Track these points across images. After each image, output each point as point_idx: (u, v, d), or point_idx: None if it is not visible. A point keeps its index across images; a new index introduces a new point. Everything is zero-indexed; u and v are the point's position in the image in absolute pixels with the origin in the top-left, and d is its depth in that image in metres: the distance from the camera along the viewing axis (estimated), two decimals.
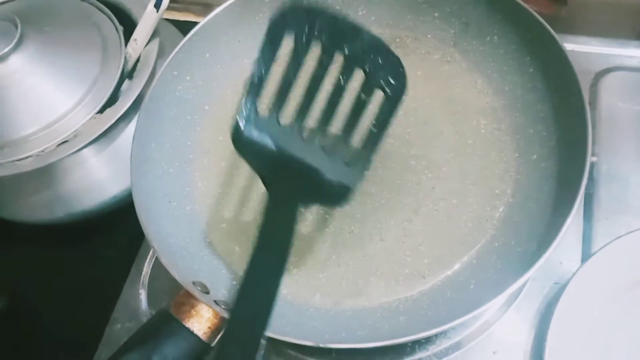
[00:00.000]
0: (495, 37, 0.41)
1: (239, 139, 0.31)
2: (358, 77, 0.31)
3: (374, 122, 0.31)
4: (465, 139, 0.39)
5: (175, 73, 0.41)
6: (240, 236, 0.38)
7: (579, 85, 0.34)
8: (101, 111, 0.43)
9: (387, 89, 0.30)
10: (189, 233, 0.37)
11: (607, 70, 0.45)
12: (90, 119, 0.43)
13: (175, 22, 0.53)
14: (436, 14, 0.43)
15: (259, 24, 0.44)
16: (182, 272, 0.32)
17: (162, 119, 0.40)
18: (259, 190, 0.39)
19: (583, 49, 0.47)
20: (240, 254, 0.37)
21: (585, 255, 0.38)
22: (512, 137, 0.38)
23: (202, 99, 0.43)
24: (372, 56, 0.30)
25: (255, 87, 0.31)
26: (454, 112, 0.40)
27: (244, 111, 0.31)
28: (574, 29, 0.50)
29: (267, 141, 0.31)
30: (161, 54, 0.46)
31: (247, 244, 0.37)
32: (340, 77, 0.30)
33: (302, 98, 0.32)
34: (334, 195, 0.32)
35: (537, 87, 0.38)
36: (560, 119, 0.36)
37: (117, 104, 0.44)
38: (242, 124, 0.31)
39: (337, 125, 0.32)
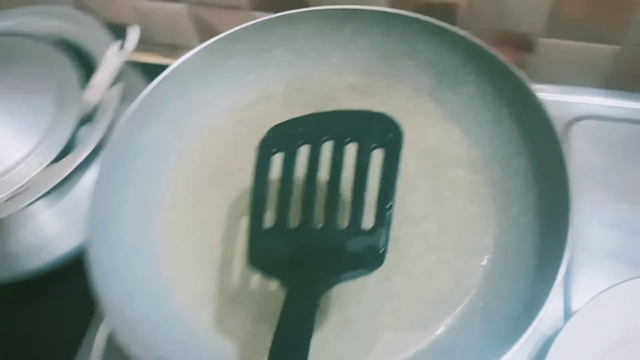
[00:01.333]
0: (471, 87, 0.40)
1: (256, 260, 0.30)
2: (353, 150, 0.31)
3: (382, 179, 0.30)
4: (442, 192, 0.38)
5: (140, 121, 0.39)
6: (210, 300, 0.35)
7: (557, 138, 0.34)
8: (55, 161, 0.40)
9: (383, 144, 0.30)
10: (152, 299, 0.34)
11: (577, 119, 0.45)
12: (42, 169, 0.40)
13: (138, 64, 0.51)
14: (410, 63, 0.42)
15: (230, 70, 0.43)
16: (145, 349, 0.29)
17: (124, 170, 0.38)
18: (232, 247, 0.37)
19: (552, 98, 0.47)
20: (210, 321, 0.34)
21: (567, 310, 0.37)
22: (490, 190, 0.38)
23: (167, 148, 0.41)
24: (357, 127, 0.31)
25: (258, 207, 0.31)
26: (431, 163, 0.39)
27: (251, 233, 0.31)
28: (541, 77, 0.50)
29: (282, 249, 0.31)
30: (123, 98, 0.44)
31: (218, 309, 0.34)
32: (336, 159, 0.31)
33: (305, 197, 0.31)
34: (364, 262, 0.30)
35: (514, 139, 0.38)
36: (539, 172, 0.36)
37: (73, 153, 0.41)
38: (253, 246, 0.31)
39: (346, 201, 0.31)
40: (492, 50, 0.38)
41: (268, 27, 0.42)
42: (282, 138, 0.31)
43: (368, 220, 0.30)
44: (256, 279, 0.36)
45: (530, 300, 0.30)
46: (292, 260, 0.30)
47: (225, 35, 0.41)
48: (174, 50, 0.57)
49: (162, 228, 0.38)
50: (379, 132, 0.30)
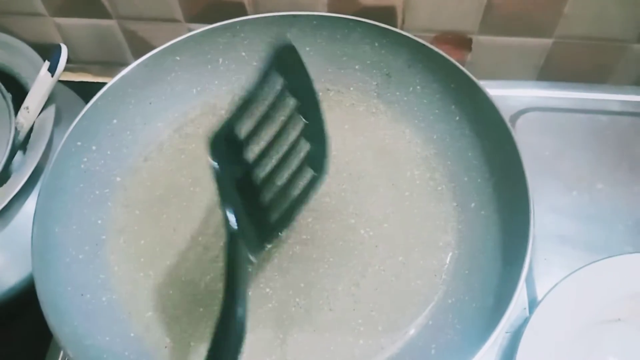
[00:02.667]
0: (418, 87, 0.40)
1: (213, 142, 0.29)
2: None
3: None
4: (402, 192, 0.38)
5: (79, 143, 0.37)
6: (171, 325, 0.33)
7: (509, 129, 0.35)
8: None
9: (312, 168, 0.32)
10: (109, 329, 0.32)
11: (521, 112, 0.46)
12: None
13: (70, 84, 0.48)
14: (357, 67, 0.42)
15: (171, 83, 0.41)
16: None
17: (66, 197, 0.35)
18: (188, 269, 0.35)
19: (494, 93, 0.48)
20: (173, 347, 0.32)
21: (531, 300, 0.38)
22: (447, 186, 0.38)
23: (112, 170, 0.38)
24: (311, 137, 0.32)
25: (242, 107, 0.30)
26: (387, 164, 0.39)
27: (226, 120, 0.30)
28: (479, 73, 0.52)
29: (231, 158, 0.30)
30: (58, 121, 0.41)
31: (180, 335, 0.33)
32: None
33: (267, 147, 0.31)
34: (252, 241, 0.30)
35: (465, 134, 0.38)
36: (493, 164, 0.36)
37: (8, 182, 0.38)
38: (220, 131, 0.29)
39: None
40: (437, 49, 0.38)
41: (208, 37, 0.41)
42: (291, 68, 0.31)
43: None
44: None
45: (500, 292, 0.30)
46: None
47: (163, 49, 0.40)
48: (107, 67, 0.55)
49: (114, 254, 0.36)
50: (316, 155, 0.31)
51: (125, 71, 0.38)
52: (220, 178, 0.29)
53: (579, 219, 0.41)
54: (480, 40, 0.48)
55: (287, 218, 0.32)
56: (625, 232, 0.40)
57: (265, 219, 0.31)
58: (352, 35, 0.41)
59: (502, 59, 0.50)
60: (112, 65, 0.54)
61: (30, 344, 0.38)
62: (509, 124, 0.34)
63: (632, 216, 0.40)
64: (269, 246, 0.32)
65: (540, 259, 0.39)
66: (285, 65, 0.30)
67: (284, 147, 0.31)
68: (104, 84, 0.39)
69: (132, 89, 0.39)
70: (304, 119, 0.32)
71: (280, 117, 0.31)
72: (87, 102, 0.39)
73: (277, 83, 0.30)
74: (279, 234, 0.32)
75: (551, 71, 0.50)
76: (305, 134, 0.32)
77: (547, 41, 0.48)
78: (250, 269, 0.30)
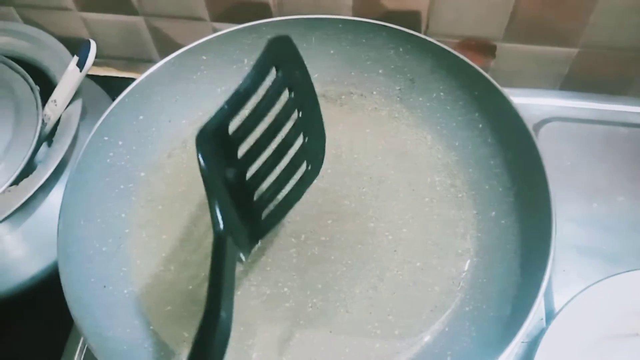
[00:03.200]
0: (442, 94, 0.40)
1: (202, 136, 0.28)
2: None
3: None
4: (422, 197, 0.38)
5: (106, 138, 0.37)
6: (189, 320, 0.34)
7: (533, 139, 0.35)
8: (16, 182, 0.38)
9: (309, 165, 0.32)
10: (129, 321, 0.33)
11: (544, 121, 0.46)
12: (3, 192, 0.37)
13: (95, 78, 0.49)
14: (380, 71, 0.42)
15: (196, 83, 0.42)
16: None
17: (91, 190, 0.36)
18: (207, 265, 0.35)
19: (518, 101, 0.48)
20: (190, 341, 0.33)
21: (549, 310, 0.37)
22: (468, 194, 0.38)
23: (136, 165, 0.39)
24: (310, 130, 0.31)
25: (235, 102, 0.28)
26: (408, 169, 0.39)
27: (216, 115, 0.28)
28: (501, 80, 0.52)
29: (220, 154, 0.29)
30: (83, 115, 0.42)
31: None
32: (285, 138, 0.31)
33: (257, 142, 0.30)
34: (241, 240, 0.30)
35: (488, 142, 0.38)
36: (515, 173, 0.36)
37: (34, 173, 0.39)
38: (210, 125, 0.28)
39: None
40: (461, 55, 0.38)
41: (233, 38, 0.41)
42: (286, 60, 0.30)
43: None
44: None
45: (518, 303, 0.31)
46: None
47: (190, 48, 0.40)
48: (132, 63, 0.55)
49: (136, 248, 0.36)
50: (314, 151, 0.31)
51: (152, 69, 0.39)
52: (208, 175, 0.27)
53: (599, 230, 0.41)
54: (505, 47, 0.48)
55: (278, 215, 0.32)
56: None
57: (256, 216, 0.31)
58: (377, 39, 0.41)
59: (526, 66, 0.50)
60: (137, 61, 0.55)
61: (50, 333, 0.39)
62: (533, 134, 0.34)
63: None
64: (259, 244, 0.32)
65: (558, 270, 0.39)
66: (280, 56, 0.30)
67: (276, 141, 0.31)
68: (128, 79, 0.40)
69: (158, 86, 0.39)
70: (299, 112, 0.31)
71: (274, 110, 0.30)
72: (112, 97, 0.39)
73: (272, 75, 0.29)
74: (268, 231, 0.32)
75: (574, 81, 0.50)
76: (300, 127, 0.31)
77: (572, 50, 0.47)
78: (240, 268, 0.30)
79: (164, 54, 0.41)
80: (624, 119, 0.46)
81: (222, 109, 0.28)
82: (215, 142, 0.28)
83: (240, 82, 0.28)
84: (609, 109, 0.46)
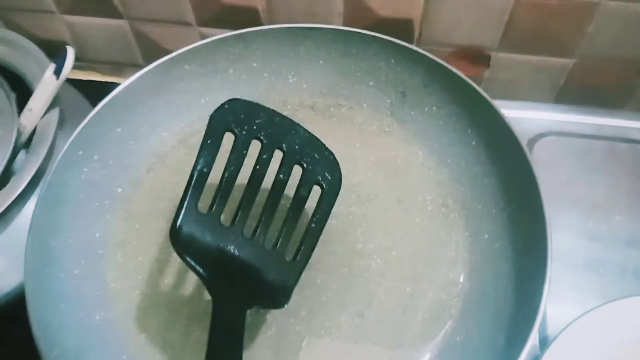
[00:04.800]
0: (434, 108, 0.39)
1: (178, 239, 0.29)
2: (296, 174, 0.30)
3: (313, 217, 0.30)
4: (412, 217, 0.36)
5: (80, 152, 0.36)
6: (165, 349, 0.32)
7: (527, 158, 0.33)
8: None
9: (323, 184, 0.30)
10: (102, 350, 0.31)
11: (539, 136, 0.45)
12: None
13: (78, 83, 0.47)
14: (371, 83, 0.41)
15: (179, 93, 0.40)
16: None
17: (64, 208, 0.34)
18: (186, 289, 0.34)
19: (513, 115, 0.46)
20: None
21: (542, 337, 0.36)
22: (460, 214, 0.36)
23: (113, 180, 0.37)
24: (308, 152, 0.30)
25: (197, 185, 0.29)
26: (398, 186, 0.38)
27: (184, 209, 0.29)
28: (495, 91, 0.50)
29: (208, 240, 0.29)
30: (62, 123, 0.40)
31: (175, 358, 0.31)
32: (280, 175, 0.30)
33: (243, 196, 0.30)
34: (274, 296, 0.30)
35: (481, 159, 0.37)
36: (510, 194, 0.35)
37: (8, 185, 0.37)
38: (180, 222, 0.29)
39: (278, 222, 0.30)
40: (455, 69, 0.37)
41: (219, 47, 0.39)
42: (238, 119, 0.30)
43: (290, 250, 0.30)
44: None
45: (512, 334, 0.29)
46: (217, 266, 0.29)
47: (172, 57, 0.38)
48: (116, 67, 0.54)
49: (110, 270, 0.35)
50: (325, 168, 0.30)
51: (131, 79, 0.37)
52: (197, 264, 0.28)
53: (596, 250, 0.39)
54: (499, 57, 0.47)
55: (306, 251, 0.30)
56: None
57: (280, 262, 0.30)
58: (368, 50, 0.39)
59: (521, 77, 0.49)
60: (121, 65, 0.53)
61: (26, 350, 0.37)
62: (528, 153, 0.33)
63: None
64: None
65: (553, 292, 0.38)
66: (230, 119, 0.30)
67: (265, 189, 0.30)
68: (112, 83, 0.38)
69: (138, 97, 0.38)
70: (281, 149, 0.30)
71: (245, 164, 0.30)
72: (93, 103, 0.37)
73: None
74: (302, 269, 0.30)
75: (570, 93, 0.49)
76: (289, 160, 0.30)
77: (568, 61, 0.46)
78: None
79: (149, 59, 0.39)
80: (623, 134, 0.45)
81: (182, 202, 0.29)
82: (193, 231, 0.29)
83: (194, 165, 0.29)
84: (607, 124, 0.45)
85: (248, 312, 0.29)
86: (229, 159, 0.29)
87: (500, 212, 0.35)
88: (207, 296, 0.33)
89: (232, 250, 0.29)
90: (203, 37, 0.46)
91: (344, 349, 0.32)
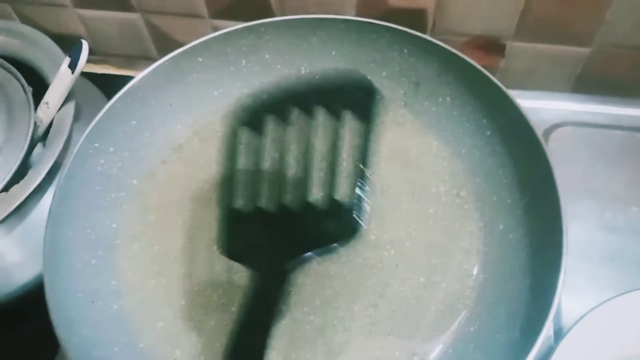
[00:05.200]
0: (448, 99, 0.39)
1: (226, 248, 0.30)
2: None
3: (355, 157, 0.30)
4: (426, 209, 0.36)
5: (96, 145, 0.36)
6: (181, 338, 0.32)
7: (543, 149, 0.33)
8: (8, 185, 0.37)
9: (357, 110, 0.30)
10: (118, 339, 0.31)
11: (555, 126, 0.44)
12: None
13: (92, 76, 0.47)
14: (384, 74, 0.40)
15: (192, 85, 0.40)
16: None
17: (81, 200, 0.34)
18: (201, 279, 0.34)
19: (528, 105, 0.46)
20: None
21: (557, 328, 0.36)
22: (474, 205, 0.36)
23: (129, 172, 0.37)
24: (333, 91, 0.30)
25: (228, 188, 0.30)
26: (412, 178, 0.37)
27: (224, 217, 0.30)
28: (511, 81, 0.50)
29: (254, 233, 0.30)
30: (77, 116, 0.41)
31: (190, 348, 0.32)
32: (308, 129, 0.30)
33: (277, 175, 0.31)
34: (338, 235, 0.30)
35: (496, 150, 0.36)
36: (525, 185, 0.34)
37: (26, 177, 0.37)
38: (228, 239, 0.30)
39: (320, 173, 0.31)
40: (470, 58, 0.36)
41: (231, 39, 0.39)
42: (251, 128, 0.30)
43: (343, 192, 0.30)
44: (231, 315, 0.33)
45: (527, 326, 0.29)
46: (263, 245, 0.30)
47: (185, 50, 0.38)
48: (130, 61, 0.54)
49: (127, 260, 0.35)
50: (352, 97, 0.30)
51: (144, 73, 0.37)
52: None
53: (612, 242, 0.39)
54: (514, 46, 0.46)
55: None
56: None
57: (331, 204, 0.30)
58: (380, 41, 0.39)
59: (537, 66, 0.48)
60: (135, 58, 0.54)
61: (41, 343, 0.38)
62: (544, 145, 0.32)
63: None
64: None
65: (568, 284, 0.37)
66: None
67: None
68: (126, 77, 0.38)
69: (152, 90, 0.38)
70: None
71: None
72: (108, 96, 0.38)
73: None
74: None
75: (587, 82, 0.48)
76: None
77: (585, 50, 0.45)
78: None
79: (162, 52, 0.40)
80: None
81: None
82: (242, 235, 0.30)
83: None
84: (624, 114, 0.45)
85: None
86: (251, 151, 0.30)
87: (516, 203, 0.34)
88: (222, 288, 0.34)
89: (279, 225, 0.30)
90: (215, 29, 0.46)
91: (357, 339, 0.32)
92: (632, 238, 0.39)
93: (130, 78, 0.38)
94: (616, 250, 0.38)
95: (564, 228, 0.29)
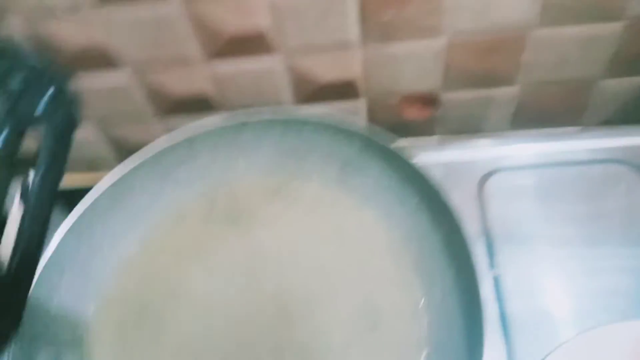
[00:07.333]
0: (376, 171, 0.41)
1: None
2: None
3: None
4: (366, 285, 0.37)
5: (48, 278, 0.37)
6: None
7: (457, 219, 0.34)
8: None
9: None
10: None
11: (490, 174, 0.45)
12: None
13: None
14: (314, 157, 0.42)
15: (136, 197, 0.42)
16: None
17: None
18: None
19: (461, 156, 0.47)
20: None
21: None
22: (414, 273, 0.37)
23: (85, 298, 0.39)
24: None
25: None
26: (352, 256, 0.39)
27: None
28: (454, 127, 0.51)
29: None
30: None
31: None
32: None
33: None
34: None
35: (425, 218, 0.38)
36: (451, 251, 0.36)
37: None
38: None
39: None
40: (386, 140, 0.38)
41: (166, 155, 0.41)
42: None
43: None
44: None
45: None
46: None
47: (123, 176, 0.40)
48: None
49: None
50: None
51: (85, 203, 0.39)
52: None
53: (556, 288, 0.39)
54: (448, 96, 0.48)
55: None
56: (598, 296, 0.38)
57: None
58: (303, 131, 0.41)
59: (473, 111, 0.50)
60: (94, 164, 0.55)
61: None
62: (460, 218, 0.34)
63: (608, 282, 0.39)
64: None
65: (520, 332, 0.38)
66: None
67: None
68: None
69: (95, 217, 0.40)
70: None
71: None
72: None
73: None
74: None
75: (523, 119, 0.50)
76: None
77: (514, 89, 0.47)
78: None
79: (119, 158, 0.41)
80: (573, 158, 0.45)
81: None
82: None
83: None
84: (556, 150, 0.45)
85: None
86: None
87: (448, 269, 0.35)
88: None
89: None
90: (165, 130, 0.48)
91: None
92: (578, 279, 0.39)
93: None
94: (560, 296, 0.39)
95: (483, 300, 0.30)
